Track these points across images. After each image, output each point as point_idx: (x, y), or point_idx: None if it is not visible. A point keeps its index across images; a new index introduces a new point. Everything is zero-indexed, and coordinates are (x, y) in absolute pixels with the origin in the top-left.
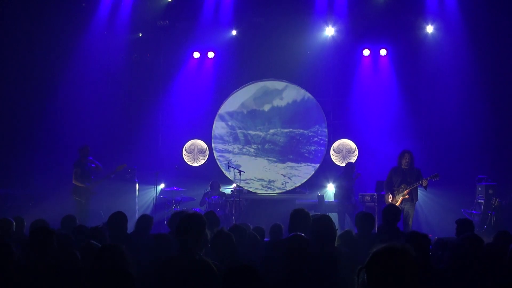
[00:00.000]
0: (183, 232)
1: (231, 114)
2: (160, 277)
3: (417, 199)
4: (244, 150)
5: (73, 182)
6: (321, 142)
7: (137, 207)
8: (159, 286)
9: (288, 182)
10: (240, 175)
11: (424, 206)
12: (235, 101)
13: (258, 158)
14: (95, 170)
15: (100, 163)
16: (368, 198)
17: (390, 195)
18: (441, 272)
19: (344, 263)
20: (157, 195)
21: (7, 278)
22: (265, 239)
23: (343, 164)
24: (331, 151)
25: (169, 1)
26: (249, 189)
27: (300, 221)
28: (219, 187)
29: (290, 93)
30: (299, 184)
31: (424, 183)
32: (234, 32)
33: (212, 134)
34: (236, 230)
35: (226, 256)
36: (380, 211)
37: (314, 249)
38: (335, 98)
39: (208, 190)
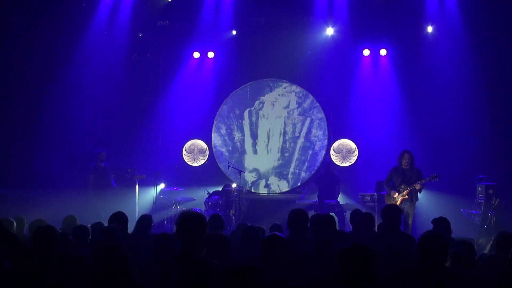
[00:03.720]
0: (184, 231)
1: (231, 115)
2: (162, 277)
3: (417, 199)
4: (245, 148)
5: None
6: (321, 142)
7: (137, 207)
8: (161, 285)
9: (288, 181)
10: (240, 175)
11: (424, 206)
12: (235, 102)
13: (259, 156)
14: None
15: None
16: (368, 198)
17: (396, 192)
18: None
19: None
20: (157, 195)
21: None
22: None
23: (344, 164)
24: (331, 151)
25: (169, 1)
26: (250, 190)
27: (299, 221)
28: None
29: (290, 93)
30: (299, 184)
31: (417, 186)
32: (234, 32)
33: (212, 134)
34: (250, 231)
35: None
36: (380, 211)
37: (315, 249)
38: (335, 98)
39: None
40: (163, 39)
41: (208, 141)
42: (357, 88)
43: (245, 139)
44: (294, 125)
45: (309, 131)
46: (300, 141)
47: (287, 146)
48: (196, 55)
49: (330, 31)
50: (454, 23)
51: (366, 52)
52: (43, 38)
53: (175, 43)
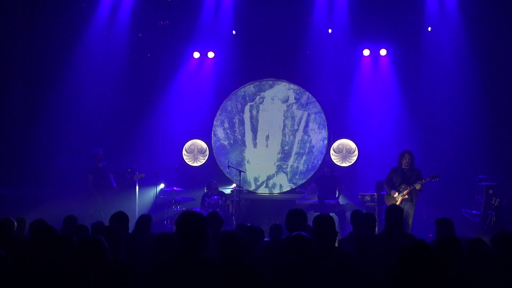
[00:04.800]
0: (183, 231)
1: (233, 109)
2: (162, 277)
3: (417, 199)
4: (245, 141)
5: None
6: (317, 135)
7: (137, 207)
8: (161, 285)
9: (287, 174)
10: (240, 175)
11: (424, 206)
12: (237, 97)
13: (259, 149)
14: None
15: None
16: (368, 198)
17: (396, 192)
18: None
19: (344, 263)
20: (157, 195)
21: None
22: (265, 239)
23: (344, 164)
24: (331, 151)
25: (169, 1)
26: (249, 189)
27: (297, 221)
28: (217, 187)
29: (288, 90)
30: (299, 184)
31: (418, 186)
32: (234, 32)
33: (212, 134)
34: (251, 231)
35: (233, 256)
36: (380, 211)
37: (315, 248)
38: (335, 98)
39: (206, 191)
40: (163, 39)
41: (208, 141)
42: (357, 88)
43: (246, 133)
44: (293, 118)
45: (306, 125)
46: (299, 134)
47: (287, 139)
48: (196, 55)
49: (330, 31)
50: (454, 23)
51: (366, 52)
52: (43, 38)
53: (175, 43)
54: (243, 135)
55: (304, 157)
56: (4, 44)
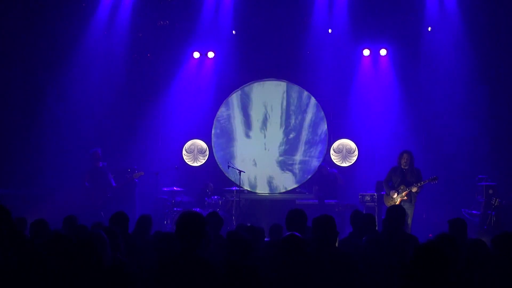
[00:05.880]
0: (183, 231)
1: (231, 113)
2: (161, 277)
3: (415, 200)
4: (234, 129)
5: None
6: (321, 142)
7: (137, 207)
8: (160, 285)
9: (294, 174)
10: (240, 175)
11: (424, 206)
12: (235, 101)
13: (255, 148)
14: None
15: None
16: (368, 198)
17: (395, 192)
18: None
19: (345, 264)
20: (157, 195)
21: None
22: (265, 239)
23: (344, 164)
24: (331, 151)
25: (169, 1)
26: (249, 190)
27: (297, 221)
28: (212, 190)
29: (290, 93)
30: (299, 184)
31: (414, 189)
32: (234, 32)
33: (212, 134)
34: (251, 231)
35: (238, 257)
36: (380, 211)
37: (315, 249)
38: (335, 98)
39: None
40: (163, 39)
41: (208, 141)
42: (357, 88)
43: (234, 116)
44: (299, 93)
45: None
46: (310, 113)
47: (292, 122)
48: (196, 55)
49: (330, 31)
50: (454, 23)
51: (366, 52)
52: (43, 38)
53: (175, 43)
54: (228, 119)
55: (319, 147)
56: (4, 44)
